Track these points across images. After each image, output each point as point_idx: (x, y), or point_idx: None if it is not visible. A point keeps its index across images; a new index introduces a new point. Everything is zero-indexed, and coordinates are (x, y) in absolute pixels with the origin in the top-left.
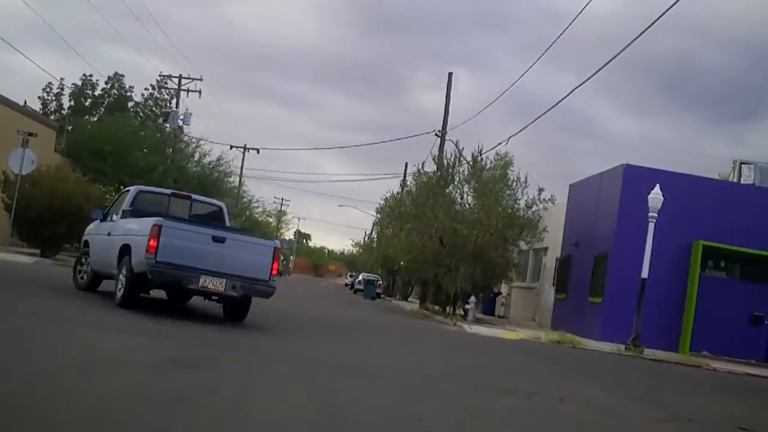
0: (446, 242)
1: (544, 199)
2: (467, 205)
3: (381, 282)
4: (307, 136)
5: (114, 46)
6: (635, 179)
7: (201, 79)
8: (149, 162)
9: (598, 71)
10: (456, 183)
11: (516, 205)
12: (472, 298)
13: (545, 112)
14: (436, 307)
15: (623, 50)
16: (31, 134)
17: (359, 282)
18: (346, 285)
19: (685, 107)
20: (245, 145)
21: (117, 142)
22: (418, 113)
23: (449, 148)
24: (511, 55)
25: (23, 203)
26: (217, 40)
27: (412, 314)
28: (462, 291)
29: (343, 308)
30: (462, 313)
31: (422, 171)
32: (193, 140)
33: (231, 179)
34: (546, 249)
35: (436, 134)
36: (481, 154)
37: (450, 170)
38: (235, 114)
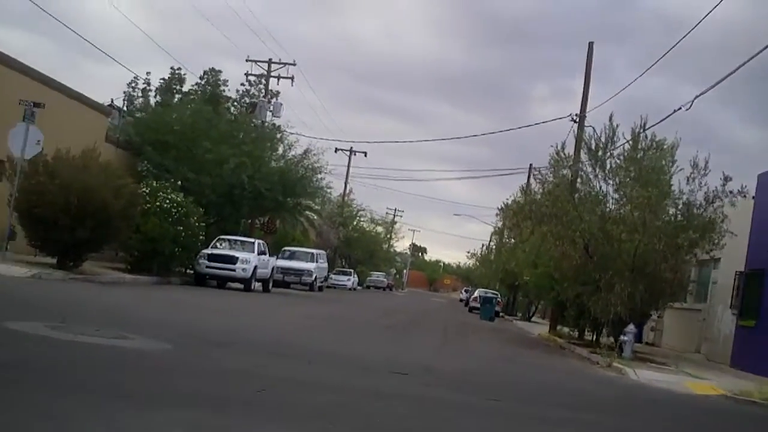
0: (593, 251)
1: (730, 192)
2: (623, 200)
3: (500, 299)
4: (422, 149)
5: (229, 61)
6: None
7: (294, 64)
8: (219, 154)
9: (723, 79)
10: (607, 171)
11: (691, 200)
12: (631, 327)
13: (666, 117)
14: (571, 331)
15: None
16: (37, 105)
17: (475, 299)
18: (461, 300)
19: None
20: (351, 147)
21: (181, 131)
22: (538, 127)
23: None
24: (631, 68)
25: (31, 198)
26: (334, 54)
27: (542, 344)
28: (616, 317)
29: (454, 336)
30: (612, 342)
31: (562, 153)
32: (278, 129)
33: (320, 176)
34: (717, 260)
35: (572, 119)
36: (644, 130)
37: (598, 155)
38: (345, 121)
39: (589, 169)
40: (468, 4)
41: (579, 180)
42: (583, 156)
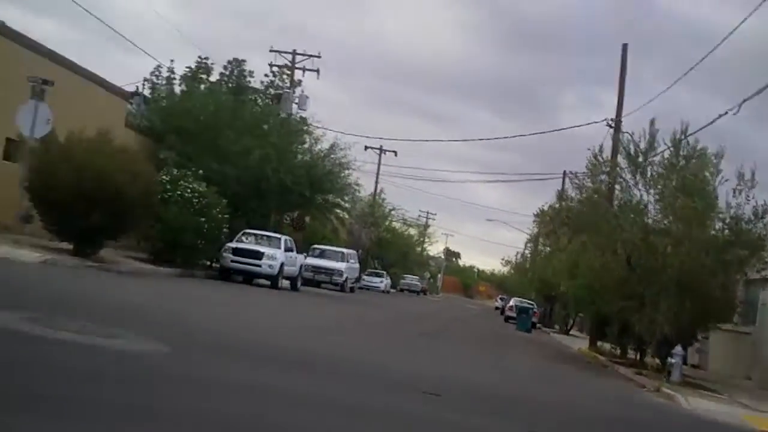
0: (636, 263)
1: None
2: (666, 210)
3: (536, 309)
4: (452, 152)
5: (256, 55)
6: None
7: (319, 56)
8: (243, 145)
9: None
10: (648, 179)
11: (739, 214)
12: (679, 349)
13: (711, 122)
14: (613, 348)
15: None
16: (46, 82)
17: (510, 308)
18: (496, 308)
19: None
20: (381, 146)
21: (204, 120)
22: (568, 134)
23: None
24: (660, 80)
25: (44, 180)
26: (362, 52)
27: (582, 361)
28: (662, 336)
29: (490, 348)
30: (658, 363)
31: (600, 157)
32: (305, 122)
33: (348, 172)
34: (767, 280)
35: (608, 124)
36: (685, 137)
37: (638, 161)
38: (373, 121)
39: (629, 176)
40: (497, 6)
41: (618, 187)
42: (621, 162)
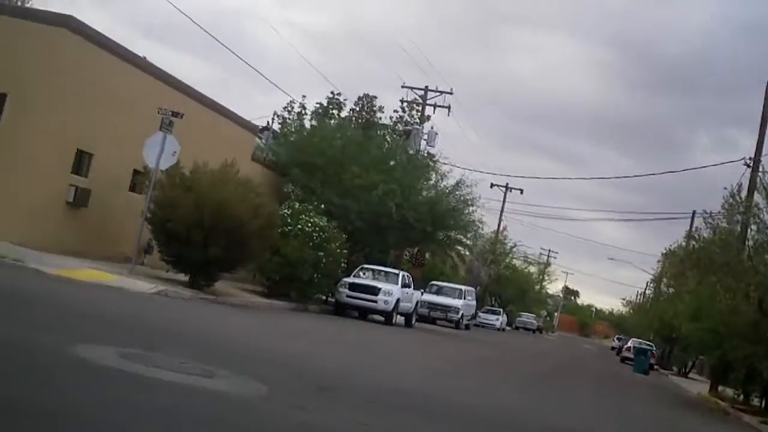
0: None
1: None
2: None
3: (654, 351)
4: (577, 191)
5: (387, 92)
6: None
7: (451, 92)
8: (367, 180)
9: None
10: None
11: None
12: None
13: None
14: (736, 394)
15: None
16: (175, 114)
17: (628, 349)
18: (613, 348)
19: None
20: (507, 184)
21: (331, 155)
22: (698, 175)
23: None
24: None
25: (165, 212)
26: (492, 91)
27: (703, 407)
28: None
29: (608, 391)
30: None
31: (737, 197)
32: (431, 158)
33: (473, 209)
34: None
35: (745, 163)
36: None
37: None
38: (500, 159)
39: (766, 217)
40: (631, 47)
41: (754, 227)
42: (760, 202)
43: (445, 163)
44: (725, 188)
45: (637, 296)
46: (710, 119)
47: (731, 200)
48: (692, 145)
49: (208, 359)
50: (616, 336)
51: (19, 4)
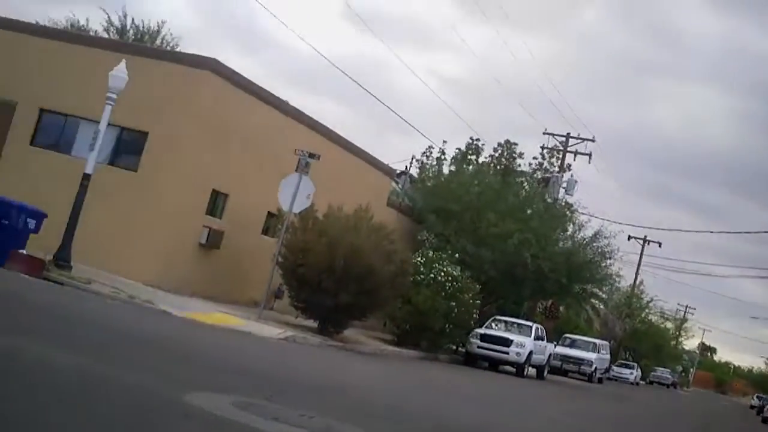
0: None
1: None
2: None
3: None
4: (717, 246)
5: (527, 139)
6: None
7: (593, 140)
8: (503, 228)
9: None
10: None
11: None
12: None
13: None
14: None
15: None
16: (312, 156)
17: None
18: (752, 407)
19: None
20: (645, 236)
21: (467, 201)
22: None
23: None
24: None
25: (297, 256)
26: (632, 141)
27: None
28: None
29: None
30: None
31: None
32: (569, 208)
33: (610, 262)
34: None
35: None
36: None
37: None
38: (638, 211)
39: None
40: None
41: None
42: None
43: (583, 213)
44: None
45: None
46: None
47: None
48: None
49: (331, 412)
50: (756, 395)
51: (168, 48)
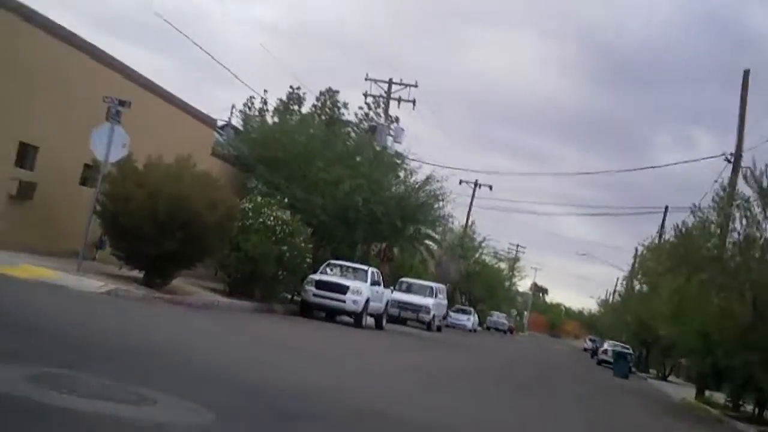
0: (764, 308)
1: None
2: None
3: (632, 353)
4: (543, 189)
5: (348, 88)
6: None
7: (416, 86)
8: (333, 175)
9: None
10: None
11: None
12: None
13: None
14: (728, 401)
15: None
16: (123, 103)
17: (605, 352)
18: (585, 350)
19: None
20: (477, 180)
21: (294, 150)
22: (658, 174)
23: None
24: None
25: (116, 205)
26: (454, 88)
27: (693, 415)
28: None
29: (597, 401)
30: None
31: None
32: (399, 156)
33: (441, 204)
34: None
35: (726, 159)
36: None
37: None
38: (467, 156)
39: (758, 210)
40: (592, 44)
41: (744, 222)
42: (751, 194)
43: (413, 159)
44: (715, 181)
45: (607, 295)
46: (670, 116)
47: (722, 192)
48: (652, 142)
49: (145, 379)
50: (588, 337)
51: None
